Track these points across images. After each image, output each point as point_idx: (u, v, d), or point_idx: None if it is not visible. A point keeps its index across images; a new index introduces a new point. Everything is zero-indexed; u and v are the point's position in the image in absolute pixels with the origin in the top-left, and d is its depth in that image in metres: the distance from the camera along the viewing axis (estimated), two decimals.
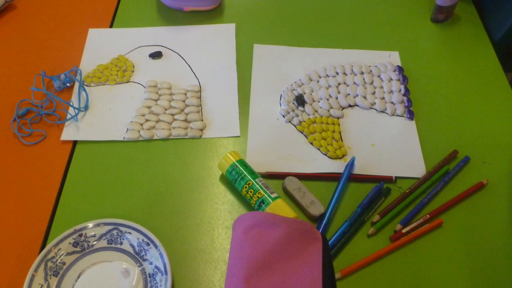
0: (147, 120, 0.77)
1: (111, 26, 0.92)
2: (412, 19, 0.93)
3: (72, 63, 0.85)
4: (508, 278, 0.61)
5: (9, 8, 0.95)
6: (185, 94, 0.80)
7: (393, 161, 0.72)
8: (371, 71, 0.84)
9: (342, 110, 0.79)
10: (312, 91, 0.81)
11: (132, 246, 0.62)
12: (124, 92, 0.81)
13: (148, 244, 0.62)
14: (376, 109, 0.79)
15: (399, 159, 0.72)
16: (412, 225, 0.65)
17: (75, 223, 0.65)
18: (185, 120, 0.77)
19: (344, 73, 0.83)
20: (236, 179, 0.67)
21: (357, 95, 0.80)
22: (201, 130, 0.76)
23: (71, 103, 0.79)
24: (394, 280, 0.61)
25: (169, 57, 0.86)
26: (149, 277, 0.60)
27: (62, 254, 0.61)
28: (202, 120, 0.77)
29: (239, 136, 0.75)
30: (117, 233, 0.63)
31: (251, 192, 0.65)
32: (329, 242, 0.63)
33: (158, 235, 0.65)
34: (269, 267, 0.50)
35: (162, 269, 0.59)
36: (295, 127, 0.76)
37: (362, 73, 0.83)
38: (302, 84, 0.82)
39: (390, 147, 0.74)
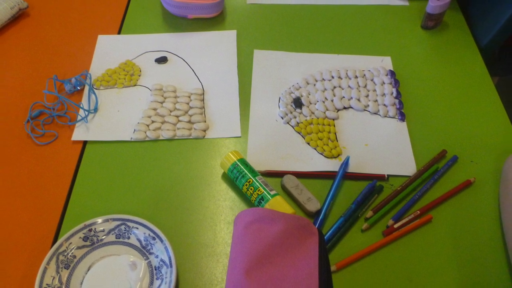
0: (153, 122, 0.77)
1: (119, 33, 0.92)
2: (404, 26, 0.93)
3: (82, 67, 0.86)
4: (494, 270, 0.61)
5: (23, 16, 0.95)
6: (189, 97, 0.80)
7: (386, 160, 0.72)
8: (364, 75, 0.84)
9: (337, 112, 0.79)
10: (309, 94, 0.81)
11: (139, 240, 0.62)
12: (131, 95, 0.81)
13: (154, 239, 0.62)
14: (369, 111, 0.79)
15: (391, 158, 0.72)
16: (404, 221, 0.65)
17: (85, 219, 0.65)
18: (189, 122, 0.77)
19: (339, 77, 0.83)
20: (237, 177, 0.67)
21: (351, 98, 0.80)
22: (204, 130, 0.76)
23: (81, 105, 0.79)
24: (387, 272, 0.61)
25: (174, 62, 0.86)
26: (155, 269, 0.60)
27: (73, 248, 0.61)
28: (205, 122, 0.77)
29: (240, 137, 0.75)
30: (124, 228, 0.63)
31: (251, 189, 0.65)
32: (325, 237, 0.63)
33: (163, 230, 0.65)
34: (268, 260, 0.50)
35: (167, 262, 0.59)
36: (293, 128, 0.76)
37: (356, 77, 0.83)
38: (300, 87, 0.82)
39: (383, 147, 0.74)
